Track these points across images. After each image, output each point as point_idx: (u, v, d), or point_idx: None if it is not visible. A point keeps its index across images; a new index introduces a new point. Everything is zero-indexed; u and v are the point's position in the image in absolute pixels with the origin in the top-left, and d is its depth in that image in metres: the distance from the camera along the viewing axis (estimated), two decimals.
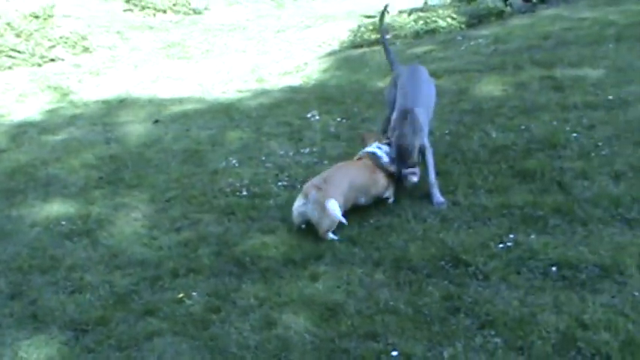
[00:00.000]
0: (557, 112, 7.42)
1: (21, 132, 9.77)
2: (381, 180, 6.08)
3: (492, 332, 4.27)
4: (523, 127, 7.11)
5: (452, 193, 6.08)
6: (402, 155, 6.12)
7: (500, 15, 13.14)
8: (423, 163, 6.20)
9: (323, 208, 5.60)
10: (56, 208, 6.93)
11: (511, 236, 5.26)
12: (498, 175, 6.26)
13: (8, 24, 14.82)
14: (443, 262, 5.07)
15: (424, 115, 6.30)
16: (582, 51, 9.39)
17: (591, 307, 4.33)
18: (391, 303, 4.68)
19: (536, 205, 5.63)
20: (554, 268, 4.79)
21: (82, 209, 6.82)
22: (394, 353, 4.19)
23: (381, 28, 7.93)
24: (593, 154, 6.34)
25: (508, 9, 13.31)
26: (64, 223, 6.55)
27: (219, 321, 4.75)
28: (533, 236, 5.23)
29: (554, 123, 7.09)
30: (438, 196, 6.01)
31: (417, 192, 6.17)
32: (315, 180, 5.84)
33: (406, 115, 6.19)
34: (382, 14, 8.18)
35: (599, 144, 6.50)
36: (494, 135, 7.05)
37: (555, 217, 5.44)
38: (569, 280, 4.66)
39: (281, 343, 4.42)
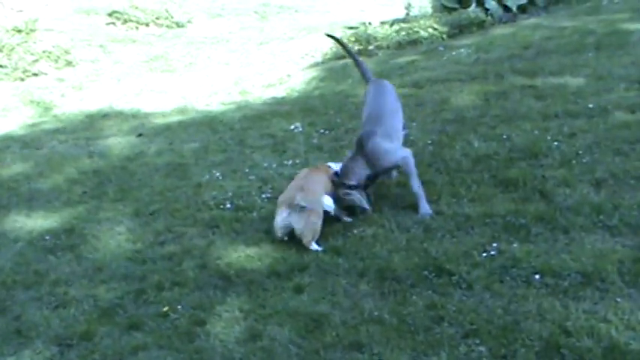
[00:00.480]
0: (538, 120, 7.46)
1: (3, 147, 9.75)
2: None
3: (477, 341, 4.29)
4: (505, 137, 7.15)
5: (435, 203, 6.09)
6: (341, 176, 6.13)
7: (481, 25, 13.21)
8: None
9: (307, 219, 5.62)
10: (40, 222, 6.92)
11: (494, 245, 5.29)
12: (481, 184, 6.29)
13: None
14: (427, 272, 5.08)
15: (387, 136, 6.25)
16: (563, 60, 9.46)
17: (574, 314, 4.35)
18: (376, 313, 4.69)
19: (519, 214, 5.66)
20: (537, 276, 4.81)
21: (66, 224, 6.80)
22: None
23: (347, 48, 7.87)
24: (574, 162, 6.38)
25: (489, 19, 13.39)
26: (47, 237, 6.54)
27: (204, 334, 4.74)
28: (515, 245, 5.26)
29: (536, 132, 7.13)
30: (424, 207, 6.03)
31: (401, 202, 6.19)
32: (290, 192, 5.87)
33: (360, 142, 6.17)
34: (338, 39, 8.14)
35: (580, 152, 6.54)
36: (476, 144, 7.08)
37: (538, 226, 5.46)
38: (552, 288, 4.68)
39: (266, 355, 4.42)
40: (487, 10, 13.58)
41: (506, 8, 13.72)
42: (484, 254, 5.19)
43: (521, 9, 13.85)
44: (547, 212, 5.61)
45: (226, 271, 5.47)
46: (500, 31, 12.50)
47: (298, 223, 5.67)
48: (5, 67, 13.97)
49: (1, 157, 9.25)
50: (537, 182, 6.13)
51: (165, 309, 5.08)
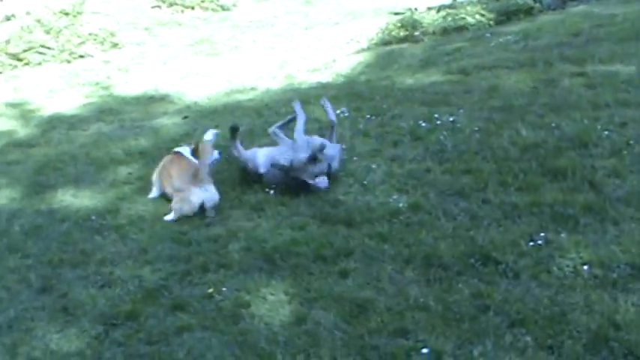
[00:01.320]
0: (588, 109, 7.36)
1: (50, 127, 9.85)
2: None
3: (522, 331, 4.26)
4: (554, 125, 7.06)
5: (482, 191, 6.05)
6: None
7: (529, 11, 13.06)
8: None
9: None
10: (86, 202, 6.98)
11: (541, 234, 5.23)
12: (529, 173, 6.22)
13: (38, 21, 14.94)
14: (473, 260, 5.04)
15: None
16: (613, 47, 9.32)
17: (623, 307, 4.30)
18: (421, 300, 4.67)
19: (567, 204, 5.59)
20: (585, 267, 4.76)
21: (112, 204, 6.86)
22: (424, 350, 4.18)
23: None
24: (625, 152, 6.28)
25: (537, 5, 13.23)
26: (93, 217, 6.59)
27: (249, 316, 4.76)
28: (563, 235, 5.20)
29: (585, 121, 7.03)
30: None
31: (448, 190, 6.15)
32: (185, 179, 6.57)
33: None
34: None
35: (631, 142, 6.44)
36: (524, 133, 7.00)
37: (586, 216, 5.40)
38: (600, 280, 4.63)
39: (311, 339, 4.42)
40: None
41: None
42: (531, 243, 5.14)
43: None
44: (596, 203, 5.54)
45: (271, 254, 5.47)
46: (548, 17, 12.36)
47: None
48: (52, 49, 14.11)
49: (48, 137, 9.35)
50: (587, 172, 6.05)
51: (210, 291, 5.10)
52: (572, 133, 6.81)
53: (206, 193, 6.43)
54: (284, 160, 6.58)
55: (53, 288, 5.46)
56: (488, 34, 11.77)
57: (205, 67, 12.97)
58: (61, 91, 12.02)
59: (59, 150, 8.70)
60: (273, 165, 6.64)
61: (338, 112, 8.15)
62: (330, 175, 6.55)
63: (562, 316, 4.32)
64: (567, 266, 4.82)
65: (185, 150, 7.04)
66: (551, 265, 4.87)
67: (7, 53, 13.74)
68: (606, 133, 6.69)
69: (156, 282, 5.35)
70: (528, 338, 4.18)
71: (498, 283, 4.75)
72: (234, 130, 7.10)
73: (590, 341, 4.06)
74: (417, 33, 12.78)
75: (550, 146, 6.64)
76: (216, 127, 8.67)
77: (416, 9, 14.53)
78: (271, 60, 13.01)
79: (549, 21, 11.91)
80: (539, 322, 4.30)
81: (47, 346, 4.73)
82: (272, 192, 6.60)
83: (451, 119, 7.63)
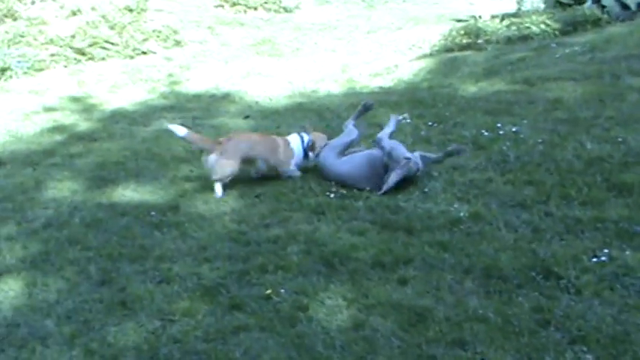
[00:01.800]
0: None
1: (112, 122, 9.97)
2: None
3: (584, 348, 4.18)
4: (620, 139, 6.94)
5: (544, 203, 5.96)
6: None
7: (596, 22, 12.84)
8: None
9: None
10: (146, 198, 7.04)
11: (605, 251, 5.13)
12: (593, 187, 6.12)
13: (103, 16, 15.16)
14: (534, 273, 4.97)
15: None
16: None
17: None
18: (480, 311, 4.61)
19: (633, 220, 5.48)
20: None
21: (172, 201, 6.90)
22: None
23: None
24: None
25: (605, 16, 12.99)
26: (153, 213, 6.64)
27: (306, 319, 4.74)
28: (628, 252, 5.10)
29: None
30: None
31: (509, 201, 6.08)
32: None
33: None
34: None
35: None
36: (589, 146, 6.89)
37: None
38: None
39: (368, 345, 4.40)
40: (603, 7, 13.18)
41: (625, 6, 13.29)
42: (594, 259, 5.05)
43: None
44: None
45: (330, 259, 5.45)
46: (617, 29, 12.14)
47: None
48: (116, 44, 14.29)
49: (110, 132, 9.46)
50: None
51: (268, 292, 5.09)
52: (638, 147, 6.68)
53: None
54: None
55: (112, 281, 5.50)
56: (553, 45, 11.62)
57: (267, 68, 13.03)
58: (123, 87, 12.17)
59: (121, 145, 8.79)
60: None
61: (400, 118, 8.12)
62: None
63: (625, 335, 4.24)
64: (632, 285, 4.72)
65: (294, 140, 7.38)
66: (615, 282, 4.77)
67: (71, 47, 13.95)
68: None
69: (214, 280, 5.36)
70: (589, 357, 4.11)
71: (559, 299, 4.67)
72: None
73: None
74: (480, 41, 12.68)
75: (616, 160, 6.52)
76: (277, 127, 8.72)
77: (480, 17, 14.41)
78: (333, 63, 13.02)
79: (617, 32, 11.72)
80: (601, 340, 4.21)
81: (104, 338, 4.76)
82: (332, 195, 6.59)
83: (514, 129, 7.54)
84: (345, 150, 7.12)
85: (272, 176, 7.19)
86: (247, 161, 7.09)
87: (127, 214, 6.70)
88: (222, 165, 6.88)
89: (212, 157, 6.89)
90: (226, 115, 9.82)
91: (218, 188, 6.89)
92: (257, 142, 7.19)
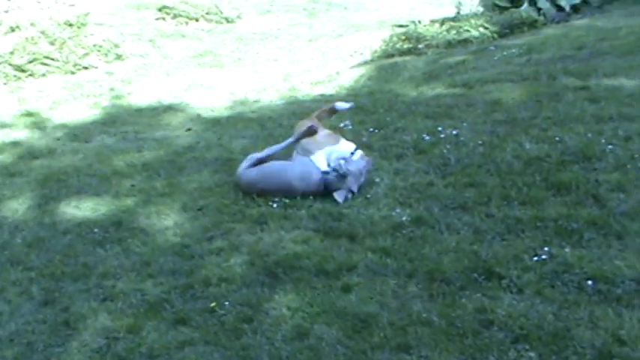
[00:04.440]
0: (591, 123, 7.33)
1: (54, 139, 9.82)
2: None
3: (526, 347, 4.24)
4: (557, 139, 7.04)
5: (485, 205, 6.03)
6: None
7: (533, 25, 13.04)
8: None
9: None
10: (88, 215, 6.96)
11: (545, 249, 5.21)
12: (532, 187, 6.20)
13: (42, 32, 14.93)
14: (476, 275, 5.02)
15: None
16: (617, 61, 9.30)
17: (628, 323, 4.28)
18: (424, 315, 4.65)
19: (571, 218, 5.57)
20: (589, 282, 4.73)
21: (114, 217, 6.83)
22: None
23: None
24: (629, 167, 6.26)
25: (541, 18, 13.21)
26: (96, 230, 6.57)
27: (251, 331, 4.73)
28: (567, 249, 5.18)
29: (589, 135, 7.00)
30: None
31: (451, 203, 6.14)
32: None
33: None
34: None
35: (636, 156, 6.41)
36: (527, 146, 6.98)
37: (590, 231, 5.38)
38: (604, 295, 4.61)
39: (313, 354, 4.40)
40: (539, 9, 13.41)
41: (559, 8, 13.54)
42: (535, 258, 5.12)
43: (575, 9, 13.66)
44: (600, 217, 5.52)
45: (274, 269, 5.45)
46: (552, 31, 12.34)
47: None
48: (56, 60, 14.08)
49: (52, 149, 9.32)
50: (590, 186, 6.03)
51: (213, 305, 5.08)
52: (575, 147, 6.79)
53: None
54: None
55: (55, 301, 5.44)
56: (491, 48, 11.75)
57: (209, 79, 12.97)
58: (64, 103, 11.99)
59: (62, 162, 8.67)
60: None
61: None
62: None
63: (566, 331, 4.31)
64: (571, 281, 4.80)
65: None
66: (555, 280, 4.85)
67: (11, 64, 13.71)
68: (610, 147, 6.67)
69: (158, 295, 5.33)
70: (532, 354, 4.16)
71: (502, 298, 4.73)
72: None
73: (595, 357, 4.05)
74: (420, 46, 12.76)
75: (554, 160, 6.62)
76: (219, 139, 8.70)
77: (419, 22, 14.53)
78: (274, 72, 13.01)
79: (553, 34, 11.90)
80: (543, 337, 4.28)
81: (48, 359, 4.71)
82: (275, 205, 6.58)
83: (454, 133, 7.61)
84: (257, 164, 7.11)
85: (214, 188, 7.17)
86: None
87: (69, 232, 6.62)
88: None
89: None
90: (168, 129, 9.75)
91: None
92: None
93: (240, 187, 6.98)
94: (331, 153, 6.86)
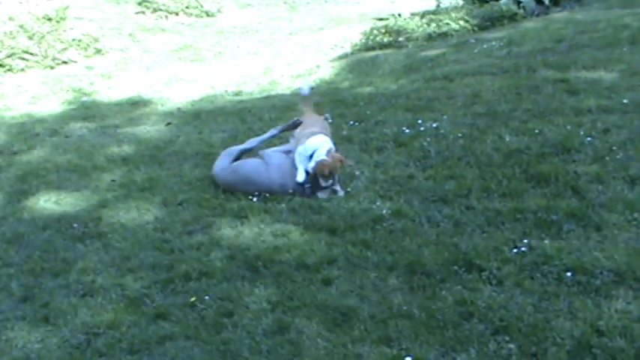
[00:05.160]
0: (571, 115, 7.38)
1: (33, 134, 9.77)
2: None
3: (506, 338, 4.25)
4: (537, 131, 7.07)
5: (465, 197, 6.05)
6: None
7: (513, 18, 13.12)
8: None
9: None
10: (68, 210, 6.92)
11: (525, 241, 5.23)
12: (512, 179, 6.23)
13: (21, 26, 14.84)
14: (456, 267, 5.04)
15: None
16: (596, 54, 9.36)
17: (606, 314, 4.30)
18: (404, 307, 4.65)
19: (550, 210, 5.60)
20: (568, 274, 4.75)
21: (94, 212, 6.80)
22: (408, 359, 4.16)
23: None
24: (607, 159, 6.30)
25: (521, 12, 13.29)
26: (76, 225, 6.53)
27: (232, 325, 4.72)
28: (547, 241, 5.20)
29: (568, 127, 7.05)
30: None
31: (431, 196, 6.15)
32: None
33: None
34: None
35: (614, 148, 6.46)
36: (507, 139, 7.01)
37: (569, 222, 5.41)
38: (583, 286, 4.63)
39: (294, 348, 4.40)
40: (519, 2, 13.47)
41: (539, 1, 13.60)
42: (515, 250, 5.14)
43: (554, 2, 13.74)
44: (579, 209, 5.55)
45: (254, 262, 5.44)
46: (532, 24, 12.40)
47: None
48: (35, 54, 14.01)
49: (31, 144, 9.27)
50: (570, 178, 6.06)
51: (193, 299, 5.06)
52: (555, 139, 6.83)
53: None
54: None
55: (35, 297, 5.40)
56: (472, 40, 11.79)
57: (189, 73, 12.95)
58: (44, 98, 11.94)
59: (42, 157, 8.63)
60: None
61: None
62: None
63: (546, 323, 4.32)
64: (551, 273, 4.81)
65: None
66: (535, 271, 4.86)
67: None
68: (589, 139, 6.71)
69: (138, 290, 5.30)
70: (512, 346, 4.17)
71: (482, 290, 4.74)
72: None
73: (574, 348, 4.06)
74: (400, 39, 12.80)
75: (533, 152, 6.65)
76: (199, 133, 8.67)
77: (400, 15, 14.55)
78: (255, 66, 13.00)
79: (532, 27, 11.96)
80: (522, 329, 4.29)
81: (28, 356, 4.68)
82: (255, 199, 6.57)
83: (435, 125, 7.63)
84: (239, 157, 7.10)
85: (194, 182, 7.15)
86: None
87: (48, 227, 6.58)
88: None
89: None
90: (148, 123, 9.72)
91: None
92: None
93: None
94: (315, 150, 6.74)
